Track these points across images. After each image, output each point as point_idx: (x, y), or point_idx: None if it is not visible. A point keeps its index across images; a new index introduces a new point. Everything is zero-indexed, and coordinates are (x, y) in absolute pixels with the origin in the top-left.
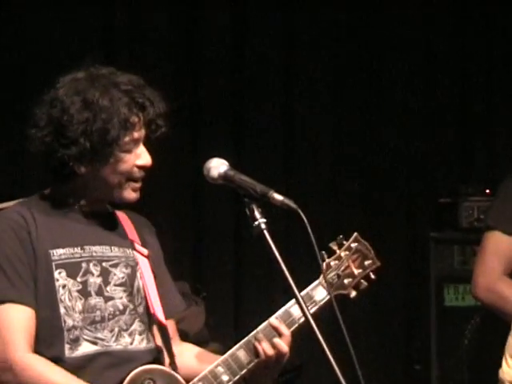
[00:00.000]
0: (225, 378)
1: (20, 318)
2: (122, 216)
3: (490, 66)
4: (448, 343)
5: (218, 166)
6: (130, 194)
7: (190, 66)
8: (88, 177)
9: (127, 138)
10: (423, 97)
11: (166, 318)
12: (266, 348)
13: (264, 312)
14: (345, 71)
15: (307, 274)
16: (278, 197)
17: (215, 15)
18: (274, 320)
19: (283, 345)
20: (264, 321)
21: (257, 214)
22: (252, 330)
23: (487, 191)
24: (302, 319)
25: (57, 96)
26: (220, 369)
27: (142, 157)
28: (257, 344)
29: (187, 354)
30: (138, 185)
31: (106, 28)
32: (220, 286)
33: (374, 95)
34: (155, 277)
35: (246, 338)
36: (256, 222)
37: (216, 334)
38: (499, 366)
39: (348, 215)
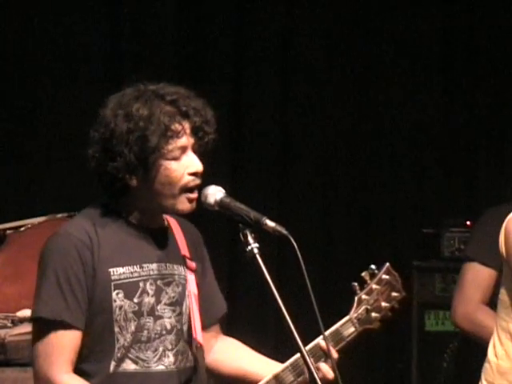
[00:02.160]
0: None
1: (69, 340)
2: (174, 226)
3: (472, 104)
4: (428, 366)
5: (214, 193)
6: (185, 205)
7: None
8: (141, 189)
9: (171, 146)
10: (411, 135)
11: (207, 327)
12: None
13: (255, 333)
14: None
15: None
16: (271, 223)
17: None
18: (322, 342)
19: (329, 371)
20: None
21: (250, 239)
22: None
23: (467, 223)
24: (352, 337)
25: (104, 113)
26: None
27: (191, 164)
28: (304, 367)
29: (233, 352)
30: (193, 195)
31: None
32: None
33: (366, 131)
34: (199, 290)
35: (293, 358)
36: (249, 247)
37: None
38: None
39: (337, 243)
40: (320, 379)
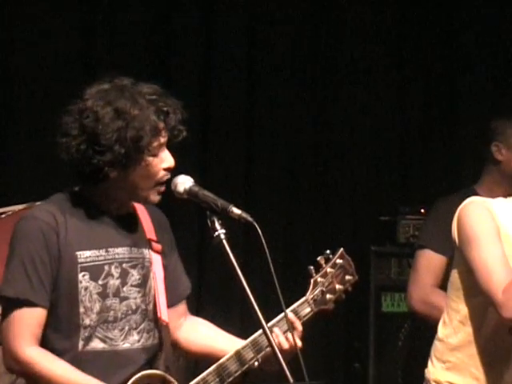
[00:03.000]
0: (233, 368)
1: (32, 317)
2: (141, 211)
3: (426, 97)
4: (384, 345)
5: (184, 182)
6: (156, 197)
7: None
8: (118, 180)
9: (155, 143)
10: (370, 128)
11: (174, 304)
12: (282, 342)
13: (222, 314)
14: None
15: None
16: (237, 211)
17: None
18: (291, 314)
19: (297, 339)
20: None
21: (217, 226)
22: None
23: (422, 211)
24: (308, 316)
25: (87, 107)
26: (227, 364)
27: (166, 159)
28: (274, 337)
29: (201, 330)
30: (163, 188)
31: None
32: None
33: (328, 123)
34: (165, 270)
35: (252, 337)
36: (216, 233)
37: None
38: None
39: (300, 231)
40: (289, 347)
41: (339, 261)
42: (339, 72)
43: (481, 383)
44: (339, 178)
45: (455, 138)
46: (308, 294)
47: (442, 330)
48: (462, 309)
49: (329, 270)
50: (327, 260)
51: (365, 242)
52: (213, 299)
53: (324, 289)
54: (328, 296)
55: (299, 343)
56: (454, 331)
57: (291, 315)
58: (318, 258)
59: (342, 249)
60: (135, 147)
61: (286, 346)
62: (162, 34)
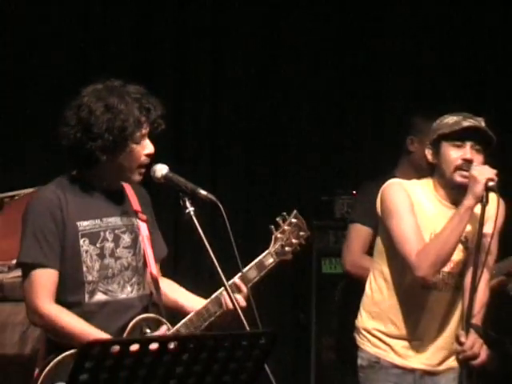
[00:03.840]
0: (213, 310)
1: (46, 277)
2: (128, 188)
3: (361, 84)
4: (324, 300)
5: (161, 169)
6: (138, 177)
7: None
8: (108, 163)
9: (138, 133)
10: (312, 127)
11: (156, 262)
12: (227, 302)
13: (193, 279)
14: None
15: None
16: (203, 192)
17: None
18: (237, 280)
19: (242, 300)
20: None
21: (188, 205)
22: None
23: (354, 192)
24: (256, 279)
25: (83, 102)
26: (209, 307)
27: (148, 147)
28: (222, 298)
29: (169, 289)
30: (143, 170)
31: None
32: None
33: (276, 119)
34: (151, 235)
35: (215, 294)
36: (187, 210)
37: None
38: None
39: (256, 209)
40: (240, 305)
41: (294, 220)
42: (285, 70)
43: (399, 328)
44: (288, 166)
45: (382, 133)
46: (270, 247)
47: (368, 287)
48: (385, 269)
49: (286, 227)
50: (284, 220)
51: (308, 217)
52: (186, 265)
53: (283, 243)
54: (287, 248)
55: (243, 303)
56: (379, 288)
57: (237, 281)
58: (277, 219)
59: (295, 210)
60: (121, 135)
61: (230, 306)
62: (144, 37)
